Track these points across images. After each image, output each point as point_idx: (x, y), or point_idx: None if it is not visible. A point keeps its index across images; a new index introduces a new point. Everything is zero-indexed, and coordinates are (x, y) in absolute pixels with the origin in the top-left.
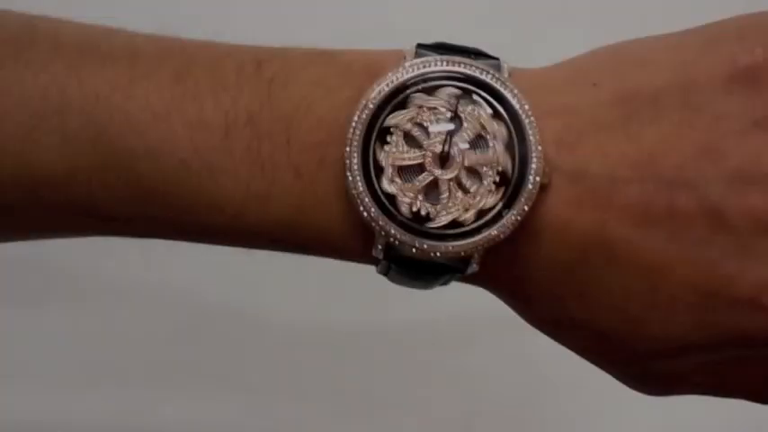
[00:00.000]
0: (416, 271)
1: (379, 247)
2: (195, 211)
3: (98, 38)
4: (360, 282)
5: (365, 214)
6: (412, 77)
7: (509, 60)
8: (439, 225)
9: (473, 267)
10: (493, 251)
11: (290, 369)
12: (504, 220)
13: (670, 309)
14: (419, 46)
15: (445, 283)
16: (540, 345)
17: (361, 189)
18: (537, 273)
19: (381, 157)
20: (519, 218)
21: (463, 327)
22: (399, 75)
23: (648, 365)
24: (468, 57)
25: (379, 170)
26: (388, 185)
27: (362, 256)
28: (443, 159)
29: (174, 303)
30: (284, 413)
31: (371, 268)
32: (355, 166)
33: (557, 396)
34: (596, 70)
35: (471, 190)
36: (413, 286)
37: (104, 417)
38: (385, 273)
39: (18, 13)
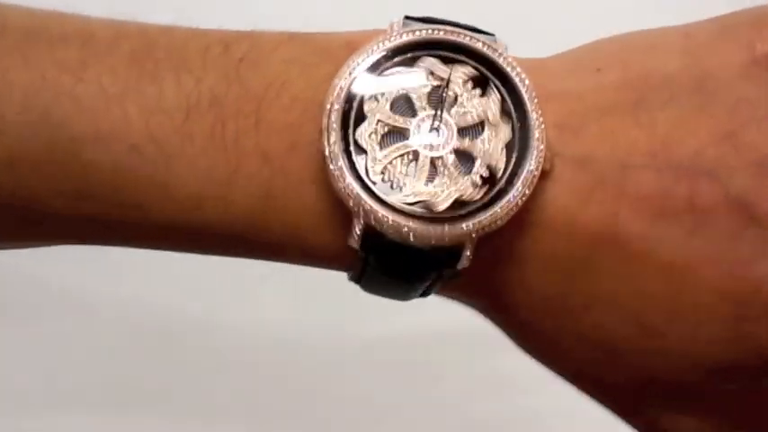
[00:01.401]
0: (396, 265)
1: (357, 232)
2: (146, 206)
3: (49, 21)
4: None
5: (345, 192)
6: (395, 47)
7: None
8: (422, 207)
9: (464, 262)
10: (485, 244)
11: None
12: (500, 204)
13: (694, 319)
14: (407, 18)
15: (426, 293)
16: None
17: (342, 167)
18: (536, 276)
19: (361, 129)
20: (518, 203)
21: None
22: (385, 44)
23: (654, 397)
24: (460, 28)
25: (360, 145)
26: (369, 161)
27: (334, 254)
28: (433, 134)
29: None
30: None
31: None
32: (334, 143)
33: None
34: (600, 56)
35: (461, 173)
36: (389, 293)
37: None
38: (358, 277)
39: None
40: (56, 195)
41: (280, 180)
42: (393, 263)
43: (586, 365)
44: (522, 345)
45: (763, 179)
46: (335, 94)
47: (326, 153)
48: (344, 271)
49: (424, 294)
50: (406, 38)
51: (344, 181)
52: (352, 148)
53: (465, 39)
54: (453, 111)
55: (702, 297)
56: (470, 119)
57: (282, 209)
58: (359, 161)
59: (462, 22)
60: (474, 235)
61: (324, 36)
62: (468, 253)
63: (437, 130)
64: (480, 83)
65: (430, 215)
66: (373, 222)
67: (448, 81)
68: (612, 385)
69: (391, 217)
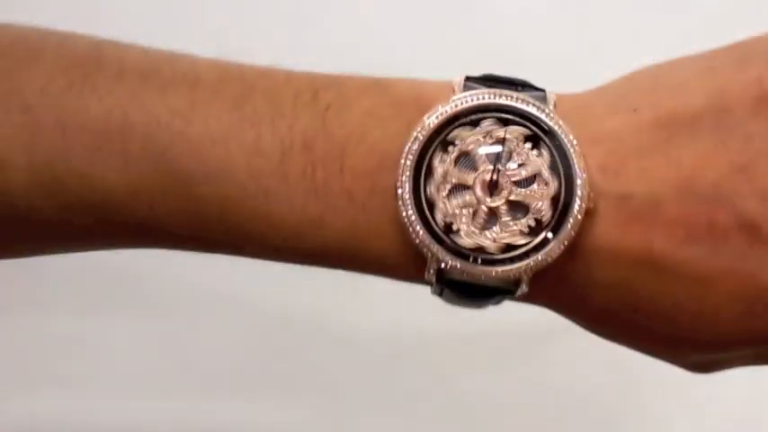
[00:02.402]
0: (468, 293)
1: (431, 271)
2: (251, 234)
3: (161, 63)
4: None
5: (417, 241)
6: (459, 112)
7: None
8: (479, 246)
9: (523, 289)
10: (543, 274)
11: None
12: (550, 246)
13: (716, 316)
14: (467, 79)
15: (498, 303)
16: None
17: (412, 217)
18: (591, 291)
19: (429, 187)
20: (565, 242)
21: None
22: (449, 107)
23: (697, 357)
24: (515, 88)
25: (429, 201)
26: (437, 211)
27: (416, 277)
28: (492, 187)
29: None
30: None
31: None
32: (407, 195)
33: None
34: (635, 95)
35: (517, 219)
36: (466, 306)
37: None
38: (439, 294)
39: (86, 36)
40: (171, 220)
41: (363, 219)
42: (462, 292)
43: (643, 343)
44: (588, 330)
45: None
46: (407, 151)
47: (400, 204)
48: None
49: (496, 304)
50: (468, 104)
51: (414, 228)
52: (422, 198)
53: (518, 102)
54: (509, 166)
55: (721, 301)
56: (524, 173)
57: (367, 243)
58: (428, 210)
59: (518, 76)
60: (527, 273)
61: (398, 87)
62: (525, 286)
63: (495, 183)
64: (532, 139)
65: (488, 257)
66: (443, 266)
67: (504, 140)
68: (664, 354)
69: (452, 261)
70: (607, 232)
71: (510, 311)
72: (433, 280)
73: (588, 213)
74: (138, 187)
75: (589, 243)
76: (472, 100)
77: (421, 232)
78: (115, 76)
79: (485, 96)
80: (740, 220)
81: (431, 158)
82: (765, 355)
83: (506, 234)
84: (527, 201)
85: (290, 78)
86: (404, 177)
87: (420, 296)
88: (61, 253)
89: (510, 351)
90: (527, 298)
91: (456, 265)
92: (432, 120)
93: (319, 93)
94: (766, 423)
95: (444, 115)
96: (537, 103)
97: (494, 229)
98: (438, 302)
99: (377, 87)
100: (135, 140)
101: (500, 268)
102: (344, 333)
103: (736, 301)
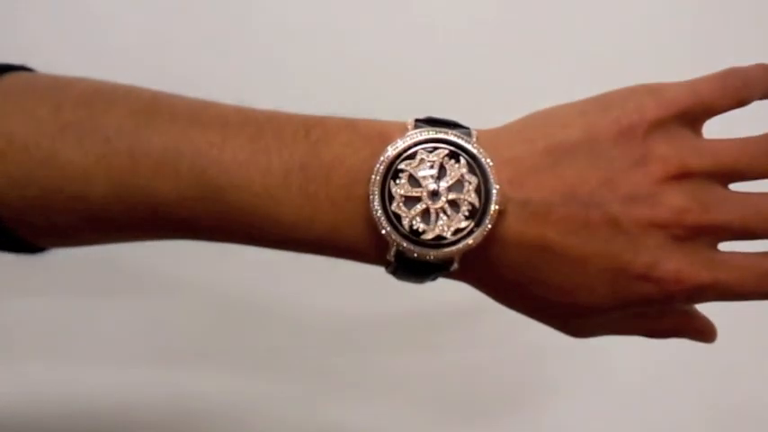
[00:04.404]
0: (415, 269)
1: (392, 252)
2: (263, 227)
3: (200, 110)
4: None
5: (383, 231)
6: (412, 144)
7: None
8: (430, 237)
9: (455, 266)
10: (471, 256)
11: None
12: (475, 234)
13: (592, 286)
14: (417, 120)
15: (434, 279)
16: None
17: (380, 215)
18: (503, 269)
19: (394, 191)
20: (484, 232)
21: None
22: (404, 141)
23: (579, 321)
24: (449, 126)
25: (392, 200)
26: (397, 211)
27: (378, 259)
28: (434, 194)
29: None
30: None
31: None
32: (377, 201)
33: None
34: (531, 130)
35: (452, 215)
36: (412, 281)
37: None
38: (393, 272)
39: (146, 89)
40: (206, 218)
41: (341, 217)
42: (414, 268)
43: (540, 310)
44: (504, 305)
45: (626, 206)
46: (375, 172)
47: (372, 206)
48: (383, 267)
49: (433, 280)
50: (416, 138)
51: (382, 223)
52: (387, 203)
53: (452, 137)
54: (445, 178)
55: (595, 274)
56: (457, 182)
57: (344, 235)
58: (391, 210)
59: (450, 118)
60: (458, 253)
61: (365, 125)
62: (456, 263)
63: (437, 192)
64: (455, 155)
65: (434, 243)
66: (402, 249)
67: (441, 164)
68: (555, 320)
69: (408, 245)
70: (513, 226)
71: (432, 297)
72: (392, 260)
73: (500, 213)
74: (184, 195)
75: (501, 234)
76: (421, 135)
77: (388, 227)
78: (169, 119)
79: (429, 133)
80: (607, 218)
81: (392, 178)
82: (627, 324)
83: (451, 223)
84: (460, 198)
85: (289, 119)
86: (374, 188)
87: (358, 284)
88: (118, 242)
89: (431, 333)
90: (456, 275)
91: (411, 248)
92: (394, 149)
93: (310, 130)
94: (659, 386)
95: (402, 146)
96: (464, 137)
97: (439, 222)
98: (372, 289)
99: (351, 126)
100: (183, 164)
101: (441, 250)
102: (289, 316)
103: (604, 273)
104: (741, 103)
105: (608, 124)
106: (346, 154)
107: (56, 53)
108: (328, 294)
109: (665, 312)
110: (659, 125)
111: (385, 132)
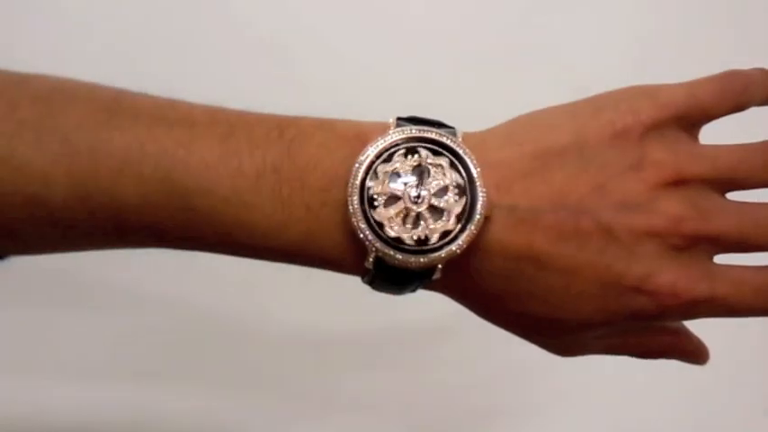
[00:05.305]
0: (395, 278)
1: (371, 259)
2: (232, 234)
3: (166, 108)
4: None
5: (361, 235)
6: (393, 143)
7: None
8: (412, 243)
9: (437, 274)
10: (454, 264)
11: (284, 369)
12: (459, 240)
13: (579, 298)
14: (398, 119)
15: (414, 290)
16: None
17: (359, 219)
18: (487, 280)
19: (373, 193)
20: (469, 238)
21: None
22: (385, 140)
23: (565, 338)
24: (433, 125)
25: (371, 203)
26: (377, 216)
27: (354, 268)
28: (416, 198)
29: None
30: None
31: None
32: (356, 203)
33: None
34: (520, 133)
35: (436, 220)
36: (390, 292)
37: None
38: (370, 282)
39: (108, 87)
40: (171, 224)
41: (316, 224)
42: (394, 277)
43: (523, 328)
44: (485, 320)
45: (619, 213)
46: (353, 174)
47: (351, 210)
48: (359, 277)
49: (413, 292)
50: (397, 137)
51: (362, 229)
52: (366, 207)
53: (437, 136)
54: (428, 180)
55: (584, 286)
56: (440, 184)
57: (318, 243)
58: (371, 215)
59: (432, 117)
60: (441, 263)
61: (341, 125)
62: (438, 273)
63: (420, 195)
64: (439, 155)
65: (416, 249)
66: (382, 256)
67: (424, 165)
68: (540, 337)
69: (393, 253)
70: (499, 233)
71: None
72: (371, 267)
73: (487, 220)
74: (149, 199)
75: (486, 241)
76: (403, 133)
77: (367, 231)
78: (133, 117)
79: (412, 131)
80: (599, 226)
81: (369, 182)
82: (614, 340)
83: (435, 228)
84: (443, 206)
85: (262, 119)
86: (353, 191)
87: (332, 298)
88: (81, 251)
89: (396, 350)
90: (437, 286)
91: (391, 254)
92: (374, 148)
93: (284, 130)
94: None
95: (382, 145)
96: (449, 136)
97: (421, 227)
98: (348, 304)
99: (328, 125)
100: (147, 165)
101: (425, 256)
102: (260, 330)
103: (594, 285)
104: (740, 107)
105: (600, 126)
106: (322, 155)
107: (32, 54)
108: (301, 309)
109: (656, 331)
110: (655, 128)
111: (364, 132)
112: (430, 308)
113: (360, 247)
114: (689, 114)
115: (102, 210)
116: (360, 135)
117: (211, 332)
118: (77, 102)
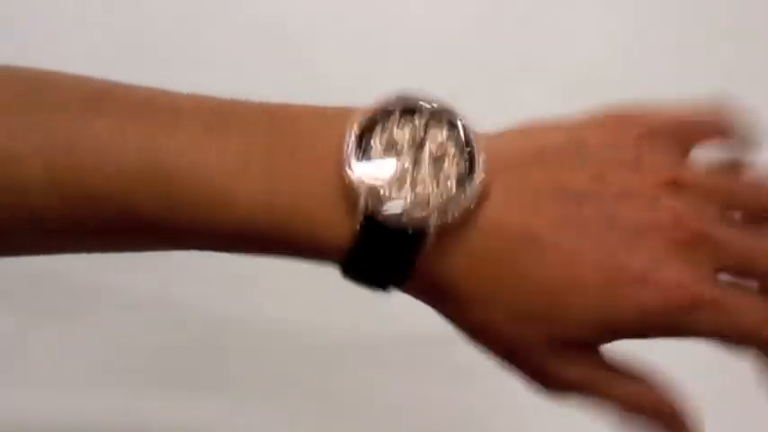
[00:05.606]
0: (384, 243)
1: (360, 218)
2: (218, 216)
3: (152, 97)
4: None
5: (354, 184)
6: (389, 105)
7: None
8: (408, 203)
9: (430, 240)
10: (447, 240)
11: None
12: (464, 197)
13: (581, 285)
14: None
15: (400, 272)
16: None
17: (357, 176)
18: (481, 263)
19: (371, 153)
20: (466, 203)
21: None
22: (380, 104)
23: (558, 353)
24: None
25: (368, 162)
26: (373, 180)
27: (335, 248)
28: (414, 160)
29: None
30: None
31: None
32: (352, 159)
33: None
34: (516, 135)
35: (435, 181)
36: (373, 268)
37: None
38: (355, 252)
39: (97, 79)
40: (155, 207)
41: (303, 200)
42: (382, 241)
43: (512, 335)
44: (465, 328)
45: (620, 203)
46: (347, 137)
47: (347, 170)
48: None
49: (397, 278)
50: (394, 100)
51: (354, 180)
52: (362, 170)
53: (435, 104)
54: (426, 147)
55: (589, 271)
56: (437, 153)
57: (305, 216)
58: (367, 178)
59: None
60: (434, 225)
61: (332, 108)
62: (431, 237)
63: (417, 161)
64: (439, 120)
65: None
66: (375, 213)
67: (421, 127)
68: (528, 351)
69: (389, 205)
70: (497, 212)
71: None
72: (361, 217)
73: (483, 199)
74: (132, 181)
75: (482, 218)
76: (399, 100)
77: (362, 190)
78: (116, 104)
79: (410, 100)
80: (601, 212)
81: (368, 138)
82: (589, 375)
83: (434, 189)
84: (444, 164)
85: (250, 106)
86: (349, 147)
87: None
88: (62, 252)
89: (396, 351)
90: (425, 275)
91: (386, 209)
92: (370, 108)
93: (274, 117)
94: None
95: (378, 107)
96: (448, 105)
97: (419, 188)
98: (333, 307)
99: (317, 108)
100: (131, 150)
101: (418, 214)
102: (249, 333)
103: (597, 274)
104: (728, 139)
105: (596, 128)
106: (314, 128)
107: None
108: (299, 310)
109: (630, 376)
110: (651, 136)
111: (351, 113)
112: (429, 308)
113: (351, 216)
114: (683, 132)
115: (83, 198)
116: (349, 116)
117: (206, 335)
118: (62, 90)
